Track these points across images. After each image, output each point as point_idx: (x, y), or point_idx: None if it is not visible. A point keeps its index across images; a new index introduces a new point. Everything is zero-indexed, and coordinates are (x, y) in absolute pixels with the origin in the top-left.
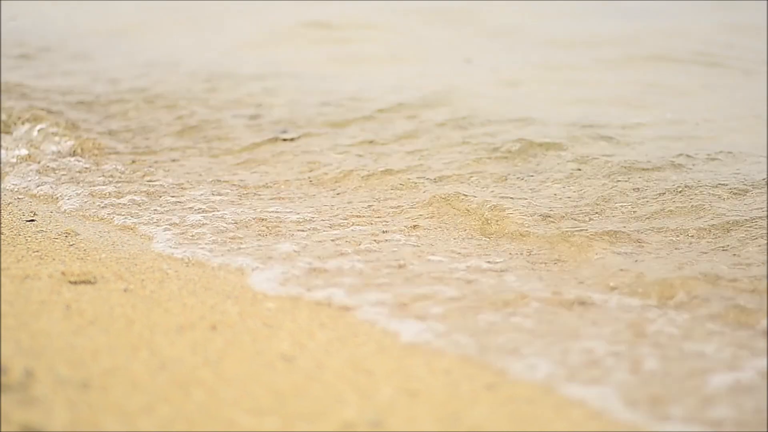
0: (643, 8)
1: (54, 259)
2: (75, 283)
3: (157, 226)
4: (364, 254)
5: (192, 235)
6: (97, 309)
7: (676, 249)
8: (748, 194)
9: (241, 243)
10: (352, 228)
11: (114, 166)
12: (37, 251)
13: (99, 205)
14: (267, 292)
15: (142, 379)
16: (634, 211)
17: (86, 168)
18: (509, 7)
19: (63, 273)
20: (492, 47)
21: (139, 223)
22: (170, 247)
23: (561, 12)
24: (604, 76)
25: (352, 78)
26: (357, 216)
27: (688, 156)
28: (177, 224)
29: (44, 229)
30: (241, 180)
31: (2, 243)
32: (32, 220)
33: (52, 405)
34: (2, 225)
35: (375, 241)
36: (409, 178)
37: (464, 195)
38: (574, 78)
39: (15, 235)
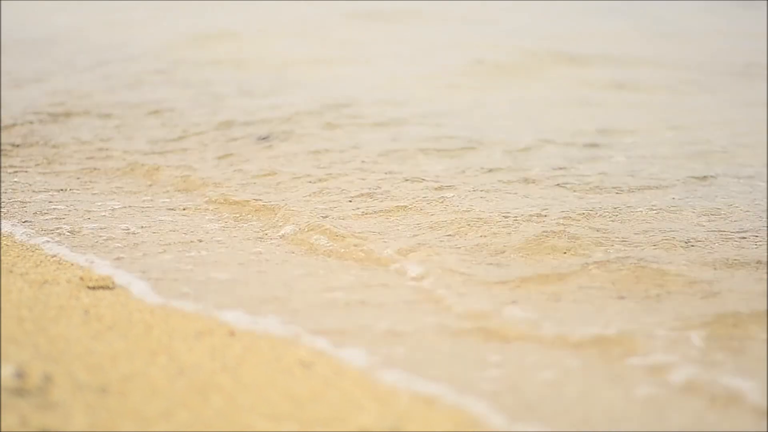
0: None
1: (72, 264)
2: (93, 288)
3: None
4: None
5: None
6: (116, 314)
7: None
8: None
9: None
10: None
11: None
12: (56, 256)
13: None
14: None
15: (160, 384)
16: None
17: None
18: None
19: (81, 278)
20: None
21: None
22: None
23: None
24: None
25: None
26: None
27: None
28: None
29: None
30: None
31: (21, 248)
32: None
33: (70, 410)
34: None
35: None
36: None
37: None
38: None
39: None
